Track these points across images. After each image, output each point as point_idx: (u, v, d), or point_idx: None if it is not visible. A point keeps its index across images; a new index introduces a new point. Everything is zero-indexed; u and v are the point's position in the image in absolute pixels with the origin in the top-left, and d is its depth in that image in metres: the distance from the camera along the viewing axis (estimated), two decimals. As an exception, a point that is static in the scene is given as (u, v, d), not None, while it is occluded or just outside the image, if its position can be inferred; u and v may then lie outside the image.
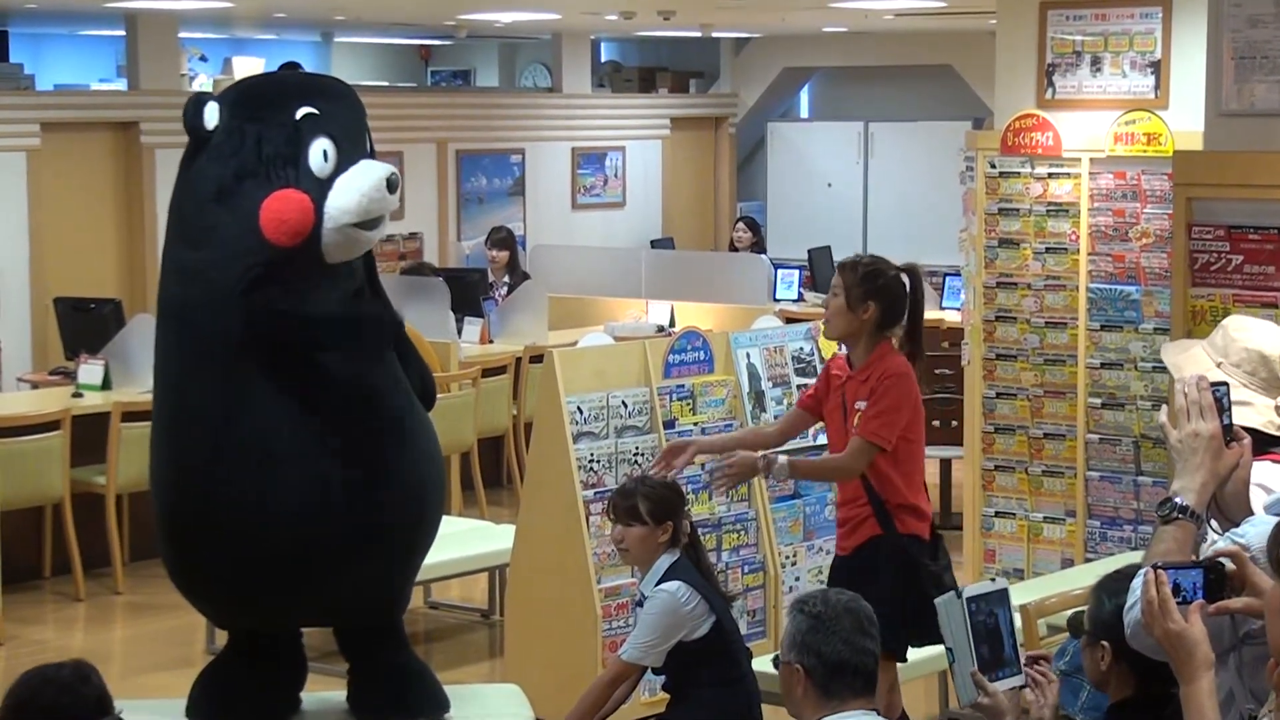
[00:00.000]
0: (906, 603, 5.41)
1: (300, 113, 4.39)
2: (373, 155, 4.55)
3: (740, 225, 14.51)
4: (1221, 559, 3.15)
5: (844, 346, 5.84)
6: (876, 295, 5.55)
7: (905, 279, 5.63)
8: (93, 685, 3.61)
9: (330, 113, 4.45)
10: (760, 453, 5.60)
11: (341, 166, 4.38)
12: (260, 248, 4.30)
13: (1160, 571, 3.09)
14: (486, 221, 14.31)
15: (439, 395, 5.47)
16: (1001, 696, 3.48)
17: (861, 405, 5.53)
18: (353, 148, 4.44)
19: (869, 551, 5.58)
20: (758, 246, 14.15)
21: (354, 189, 4.36)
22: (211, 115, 4.42)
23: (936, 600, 3.57)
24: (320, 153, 4.36)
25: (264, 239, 4.29)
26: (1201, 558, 3.22)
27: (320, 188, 4.35)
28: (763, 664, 5.44)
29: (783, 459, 5.57)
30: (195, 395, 4.43)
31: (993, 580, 3.64)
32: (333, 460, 4.38)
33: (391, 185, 4.42)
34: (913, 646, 5.64)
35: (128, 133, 12.62)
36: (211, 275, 4.38)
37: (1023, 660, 3.57)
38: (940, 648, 3.63)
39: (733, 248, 14.38)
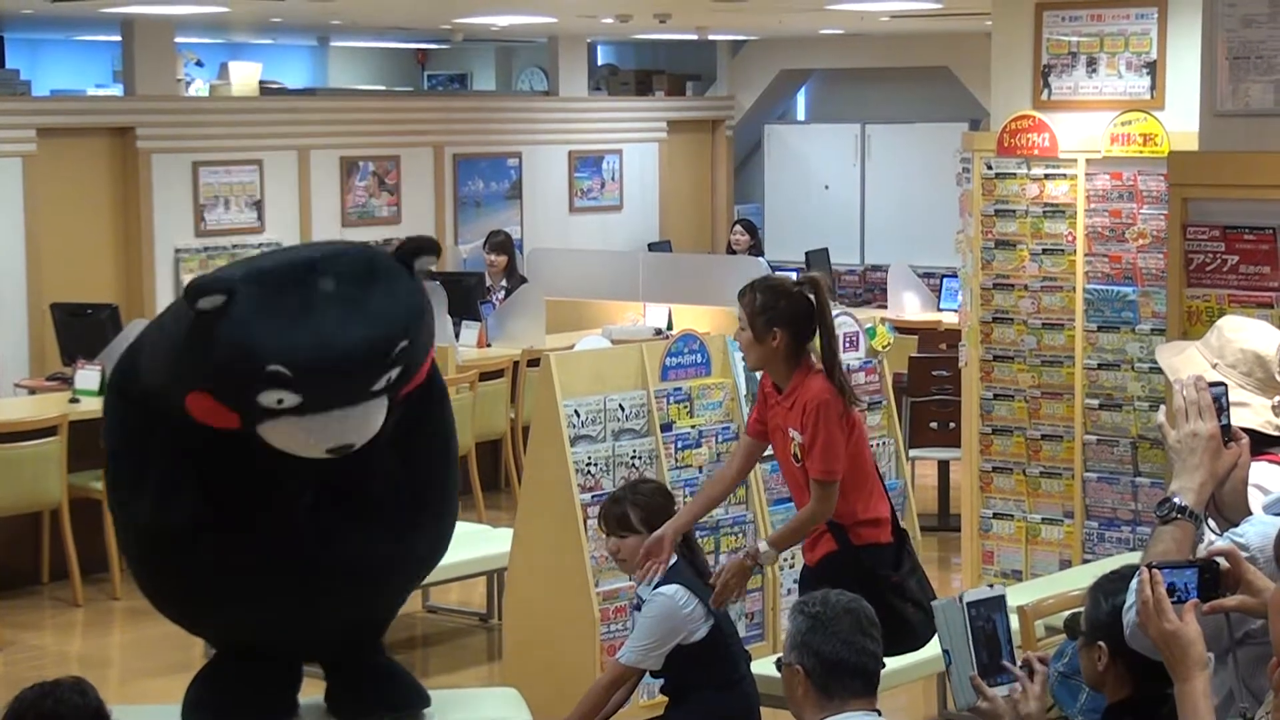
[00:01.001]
0: None
1: (272, 367, 3.99)
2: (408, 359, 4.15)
3: (738, 228, 14.51)
4: (1216, 558, 3.16)
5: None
6: (779, 321, 5.36)
7: (809, 294, 5.41)
8: (90, 698, 3.68)
9: (307, 379, 4.02)
10: (742, 552, 5.48)
11: (301, 412, 4.03)
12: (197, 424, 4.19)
13: (1155, 571, 3.10)
14: (484, 225, 14.31)
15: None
16: (1000, 701, 3.48)
17: (795, 434, 5.37)
18: (324, 405, 4.04)
19: (827, 566, 5.45)
20: (755, 249, 14.15)
21: (286, 437, 4.07)
22: (207, 305, 4.05)
23: (934, 604, 3.58)
24: (275, 399, 4.02)
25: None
26: (1197, 557, 3.22)
27: (265, 414, 4.05)
28: (761, 666, 5.45)
29: (764, 546, 5.40)
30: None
31: (991, 586, 3.64)
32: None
33: (336, 452, 4.10)
34: (889, 655, 5.62)
35: (124, 138, 12.62)
36: (145, 384, 4.36)
37: (1018, 664, 3.57)
38: (936, 649, 3.63)
39: (730, 250, 14.39)
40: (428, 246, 4.23)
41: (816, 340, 5.42)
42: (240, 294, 4.02)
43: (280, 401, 4.00)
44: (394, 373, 4.09)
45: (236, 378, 4.02)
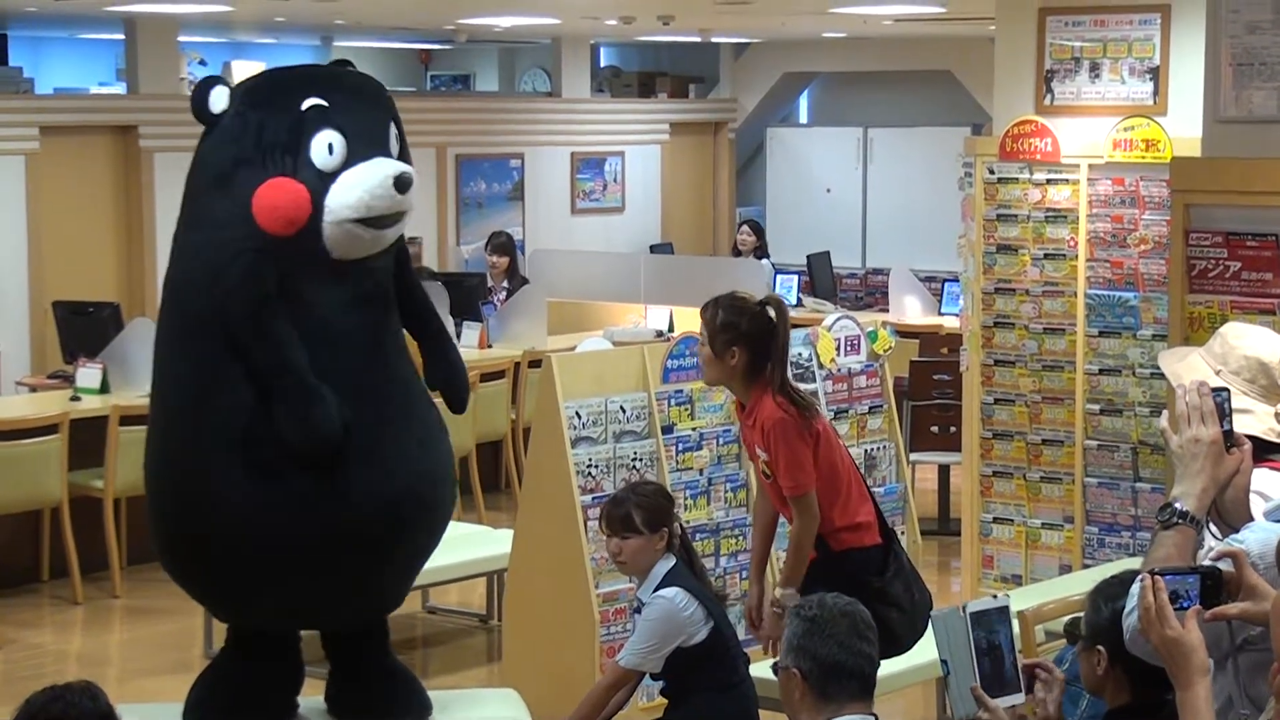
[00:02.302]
0: None
1: (307, 103, 4.33)
2: (404, 156, 4.48)
3: (744, 229, 14.48)
4: (1219, 561, 3.15)
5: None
6: (739, 340, 5.33)
7: (770, 312, 5.38)
8: (100, 702, 3.68)
9: (344, 106, 4.35)
10: (767, 608, 5.46)
11: (350, 161, 4.31)
12: (253, 233, 4.24)
13: (1157, 577, 3.09)
14: (486, 226, 14.32)
15: (436, 400, 5.42)
16: (1002, 713, 3.48)
17: (761, 453, 5.36)
18: (367, 144, 4.34)
19: (810, 574, 5.41)
20: (761, 250, 14.14)
21: (358, 185, 4.28)
22: (218, 99, 4.38)
23: (934, 614, 3.57)
24: (325, 145, 4.28)
25: (256, 225, 4.24)
26: (1199, 564, 3.22)
27: (322, 180, 4.28)
28: (761, 669, 5.45)
29: (780, 593, 5.39)
30: (175, 375, 4.39)
31: (995, 596, 3.63)
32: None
33: (401, 184, 4.33)
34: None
35: (127, 136, 12.62)
36: (204, 255, 4.33)
37: (1022, 676, 3.57)
38: (934, 655, 3.63)
39: (736, 251, 14.38)
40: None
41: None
42: (243, 84, 4.45)
43: (330, 149, 4.26)
44: (394, 130, 4.48)
45: (278, 119, 4.28)
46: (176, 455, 4.39)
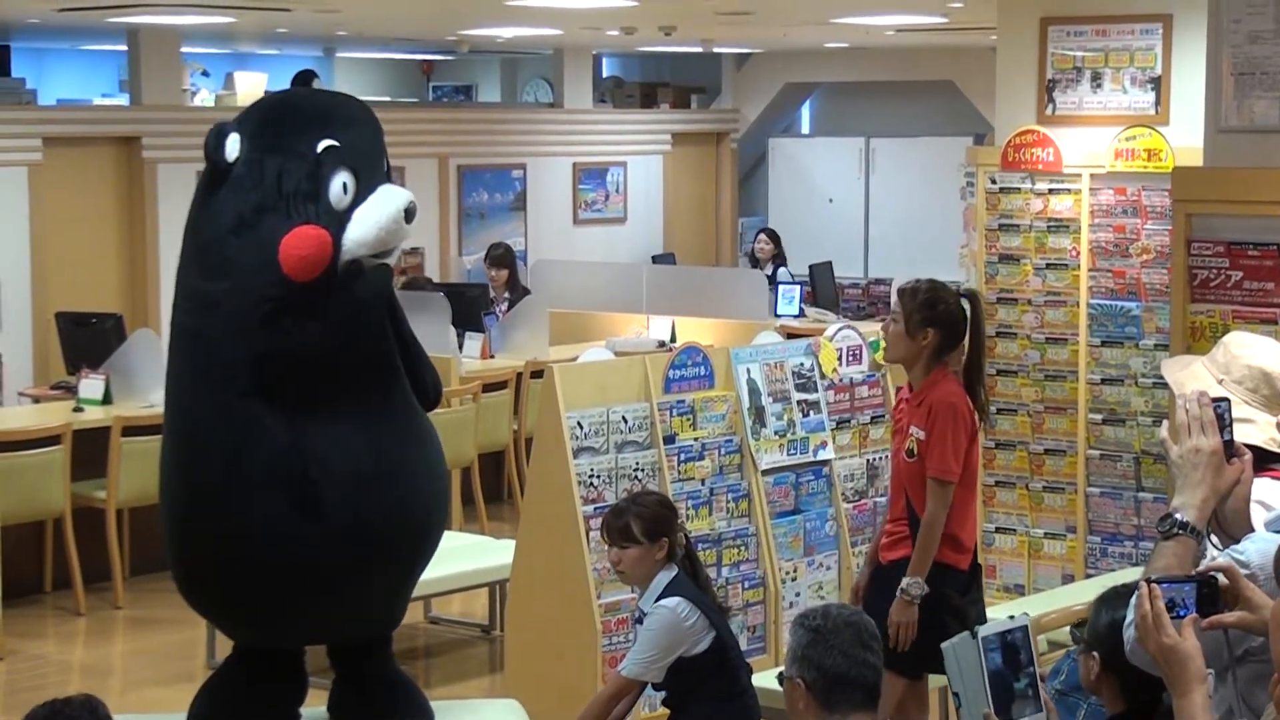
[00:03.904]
0: (919, 627, 5.52)
1: (321, 145, 4.37)
2: (389, 175, 4.54)
3: (762, 237, 14.46)
4: (1214, 574, 3.15)
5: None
6: (935, 322, 5.60)
7: (966, 305, 5.67)
8: (100, 714, 3.67)
9: (350, 142, 4.42)
10: (897, 599, 5.57)
11: (360, 196, 4.37)
12: (277, 280, 4.30)
13: (1153, 585, 3.09)
14: (488, 236, 14.33)
15: (439, 411, 5.46)
16: None
17: (916, 431, 5.59)
18: (370, 174, 4.42)
19: (900, 569, 5.65)
20: (779, 258, 14.14)
21: (371, 221, 4.36)
22: (233, 148, 4.41)
23: (943, 645, 3.56)
24: (340, 186, 4.34)
25: (281, 273, 4.29)
26: (1196, 572, 3.22)
27: (338, 220, 4.34)
28: (763, 679, 5.44)
29: (908, 581, 5.56)
30: (208, 424, 4.44)
31: (1013, 618, 3.62)
32: (341, 483, 4.38)
33: (409, 215, 4.42)
34: (929, 672, 5.68)
35: (129, 147, 12.64)
36: (227, 307, 4.37)
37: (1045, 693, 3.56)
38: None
39: (754, 259, 14.36)
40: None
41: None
42: (248, 126, 4.47)
43: (345, 188, 4.32)
44: (386, 156, 4.54)
45: (296, 164, 4.33)
46: (216, 496, 4.44)
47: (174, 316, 4.55)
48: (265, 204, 4.35)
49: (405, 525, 4.53)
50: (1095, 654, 3.65)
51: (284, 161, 4.36)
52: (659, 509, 5.36)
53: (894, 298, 5.86)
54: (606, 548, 5.43)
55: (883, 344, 6.13)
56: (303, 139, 4.40)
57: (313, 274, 4.30)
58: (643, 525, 5.27)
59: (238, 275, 4.35)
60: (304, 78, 4.80)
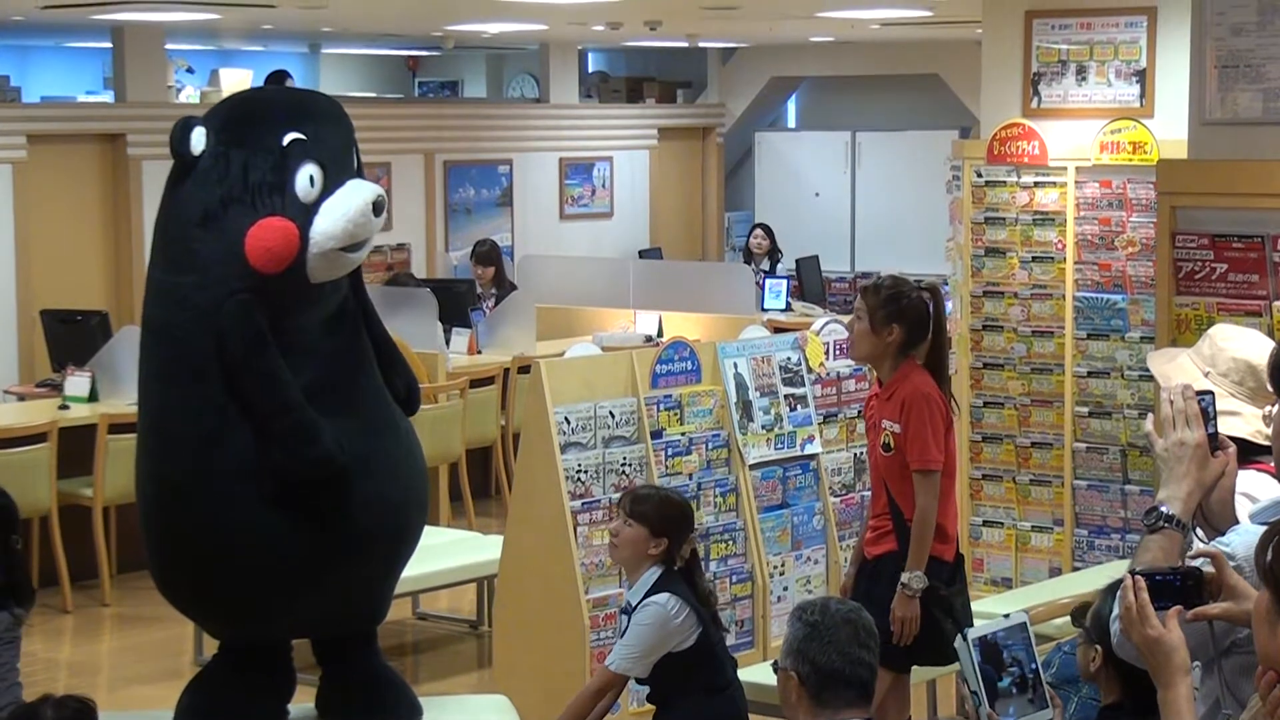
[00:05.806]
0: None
1: (288, 139, 4.36)
2: (360, 172, 4.53)
3: (758, 231, 14.46)
4: (1198, 561, 3.16)
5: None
6: (899, 317, 5.66)
7: (927, 299, 5.73)
8: (88, 713, 3.66)
9: (318, 136, 4.41)
10: (899, 594, 5.58)
11: (328, 190, 4.35)
12: (244, 274, 4.29)
13: (1137, 577, 3.09)
14: (474, 232, 14.32)
15: (426, 406, 5.46)
16: None
17: (890, 424, 5.62)
18: (339, 169, 4.41)
19: (885, 563, 5.69)
20: (774, 252, 14.15)
21: (339, 214, 4.33)
22: (199, 140, 4.40)
23: (956, 643, 3.56)
24: (306, 179, 4.32)
25: (248, 265, 4.28)
26: (1180, 564, 3.22)
27: (306, 213, 4.32)
28: (751, 674, 5.45)
29: (907, 577, 5.59)
30: (177, 417, 4.43)
31: (1006, 616, 3.62)
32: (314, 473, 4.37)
33: (377, 208, 4.39)
34: (917, 665, 5.71)
35: (114, 144, 12.62)
36: (195, 299, 4.37)
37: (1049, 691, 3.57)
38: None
39: (749, 253, 14.36)
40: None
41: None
42: (215, 120, 4.46)
43: (312, 181, 4.31)
44: (355, 148, 4.52)
45: (262, 157, 4.31)
46: (188, 490, 4.43)
47: (144, 310, 4.55)
48: (231, 196, 4.33)
49: (383, 516, 4.51)
50: (1098, 645, 3.66)
51: (250, 154, 4.35)
52: (678, 513, 5.33)
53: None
54: (616, 515, 5.43)
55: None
56: (270, 133, 4.38)
57: (279, 266, 4.28)
58: (656, 516, 5.26)
59: (204, 268, 4.34)
60: (277, 77, 4.76)
